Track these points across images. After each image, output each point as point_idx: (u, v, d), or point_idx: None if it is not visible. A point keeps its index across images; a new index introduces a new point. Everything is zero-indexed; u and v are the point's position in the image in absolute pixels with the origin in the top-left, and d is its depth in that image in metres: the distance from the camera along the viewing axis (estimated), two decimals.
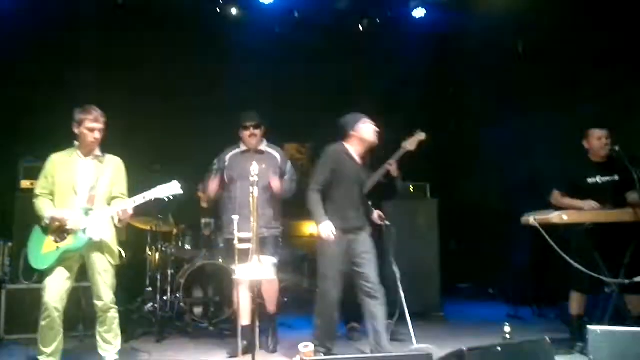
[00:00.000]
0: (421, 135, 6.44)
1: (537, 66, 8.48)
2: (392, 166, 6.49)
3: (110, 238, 5.13)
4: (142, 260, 7.59)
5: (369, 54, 9.71)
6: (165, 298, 7.16)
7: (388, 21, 9.67)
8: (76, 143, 5.15)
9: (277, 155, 6.23)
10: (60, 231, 4.93)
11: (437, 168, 9.43)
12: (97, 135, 5.07)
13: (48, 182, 5.07)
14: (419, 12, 9.43)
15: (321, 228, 5.32)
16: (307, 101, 9.32)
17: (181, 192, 5.04)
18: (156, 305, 7.02)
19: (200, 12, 8.93)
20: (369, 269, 5.39)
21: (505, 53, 9.06)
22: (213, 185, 6.25)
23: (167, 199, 5.03)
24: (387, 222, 5.74)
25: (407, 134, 6.47)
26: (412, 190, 8.29)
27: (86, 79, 7.96)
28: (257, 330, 5.19)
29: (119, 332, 5.21)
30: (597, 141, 5.90)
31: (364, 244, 5.46)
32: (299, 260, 9.11)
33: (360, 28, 9.66)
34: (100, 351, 5.13)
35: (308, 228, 10.22)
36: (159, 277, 7.16)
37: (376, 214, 5.75)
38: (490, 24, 8.89)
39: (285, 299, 7.96)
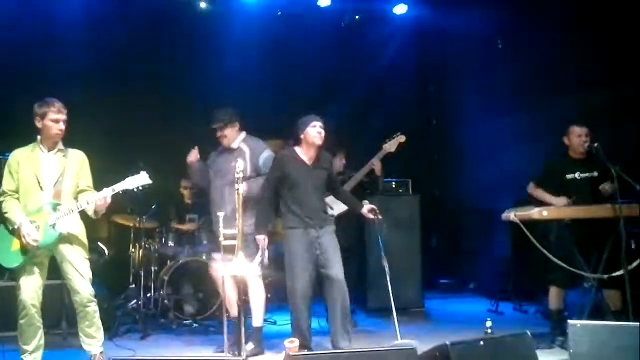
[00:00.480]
0: (401, 138, 6.54)
1: (519, 64, 8.54)
2: (376, 165, 6.65)
3: (80, 231, 5.08)
4: (126, 257, 7.59)
5: (350, 51, 9.73)
6: (149, 295, 7.16)
7: (369, 18, 9.70)
8: (38, 137, 5.07)
9: (247, 151, 6.06)
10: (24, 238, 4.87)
11: (419, 164, 9.49)
12: (62, 126, 5.01)
13: (13, 178, 5.01)
14: (400, 9, 9.47)
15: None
16: (289, 98, 9.34)
17: (150, 182, 5.00)
18: (140, 302, 7.02)
19: (181, 7, 8.90)
20: (333, 266, 5.45)
21: (487, 50, 9.12)
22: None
23: (135, 190, 5.00)
24: (380, 217, 5.75)
25: (387, 136, 6.55)
26: (394, 186, 8.35)
27: (56, 77, 7.87)
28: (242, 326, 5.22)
29: (100, 324, 5.13)
30: (577, 138, 5.98)
31: (327, 240, 5.53)
32: (283, 256, 9.11)
33: (342, 25, 9.69)
34: (84, 346, 5.09)
35: None
36: (142, 273, 7.18)
37: (367, 207, 5.75)
38: (472, 21, 8.96)
39: (269, 295, 7.97)
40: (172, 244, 7.65)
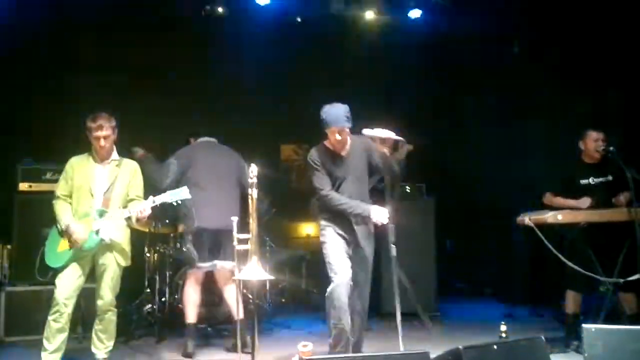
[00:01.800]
0: (409, 147, 6.52)
1: (534, 67, 8.51)
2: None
3: (123, 239, 5.29)
4: (141, 262, 7.61)
5: (365, 54, 9.74)
6: (163, 299, 7.20)
7: (384, 22, 9.69)
8: (92, 147, 5.30)
9: None
10: (70, 238, 5.10)
11: (433, 168, 9.46)
12: (103, 142, 5.20)
13: (67, 184, 5.24)
14: (415, 13, 9.46)
15: (373, 213, 5.13)
16: (303, 102, 9.35)
17: (189, 197, 5.23)
18: (155, 307, 7.05)
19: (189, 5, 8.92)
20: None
21: (503, 54, 9.10)
22: None
23: (175, 204, 5.25)
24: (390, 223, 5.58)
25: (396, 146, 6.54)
26: (408, 191, 8.33)
27: (85, 83, 7.96)
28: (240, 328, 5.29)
29: (114, 334, 5.36)
30: (594, 142, 5.96)
31: (363, 239, 5.30)
32: (297, 261, 9.14)
33: (357, 29, 9.69)
34: (92, 348, 5.29)
35: (305, 229, 10.29)
36: (157, 278, 7.21)
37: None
38: (487, 25, 8.94)
39: (283, 300, 8.00)
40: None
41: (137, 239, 7.66)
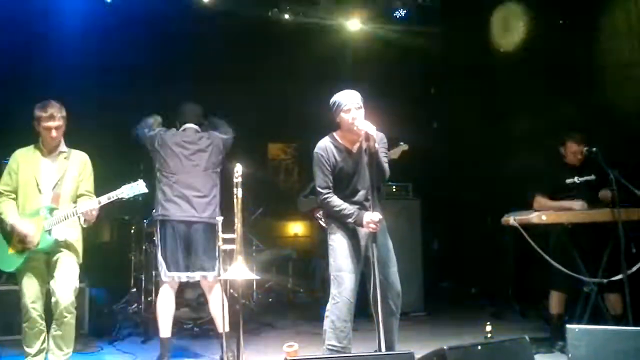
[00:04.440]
0: (404, 147, 6.53)
1: (521, 66, 8.53)
2: None
3: (76, 238, 5.03)
4: (126, 261, 7.60)
5: (352, 53, 9.74)
6: (150, 299, 7.16)
7: (369, 21, 9.70)
8: (40, 139, 5.04)
9: None
10: (18, 238, 4.85)
11: (419, 168, 9.48)
12: (54, 133, 4.94)
13: (12, 179, 4.96)
14: (400, 12, 9.47)
15: (365, 221, 4.71)
16: (291, 100, 9.35)
17: (146, 191, 4.96)
18: (141, 306, 7.04)
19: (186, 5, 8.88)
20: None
21: (489, 52, 9.11)
22: None
23: (132, 199, 5.00)
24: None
25: (389, 141, 6.53)
26: (394, 190, 8.34)
27: (58, 77, 7.87)
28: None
29: (73, 338, 4.95)
30: (572, 155, 6.05)
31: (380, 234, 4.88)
32: (283, 260, 9.15)
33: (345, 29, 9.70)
34: (49, 355, 4.90)
35: (292, 228, 10.30)
36: (143, 277, 7.19)
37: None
38: (472, 23, 8.97)
39: (270, 300, 8.00)
40: None
41: (123, 237, 7.70)
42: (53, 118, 4.92)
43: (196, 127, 6.00)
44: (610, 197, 5.63)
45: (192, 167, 5.79)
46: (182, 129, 5.97)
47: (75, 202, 5.04)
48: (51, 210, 4.89)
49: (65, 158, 5.07)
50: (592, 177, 5.96)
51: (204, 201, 5.73)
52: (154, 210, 5.81)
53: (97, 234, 8.51)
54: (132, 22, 8.39)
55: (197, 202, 5.69)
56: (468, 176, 9.64)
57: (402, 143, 6.53)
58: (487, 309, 8.16)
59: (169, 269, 5.65)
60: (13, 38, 7.74)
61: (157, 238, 5.76)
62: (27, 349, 4.89)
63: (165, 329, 5.72)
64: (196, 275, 5.71)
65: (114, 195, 4.88)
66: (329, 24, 9.33)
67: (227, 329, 5.19)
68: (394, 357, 4.17)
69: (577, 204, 5.82)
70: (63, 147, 5.09)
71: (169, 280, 5.68)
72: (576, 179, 5.99)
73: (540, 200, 6.02)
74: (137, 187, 4.92)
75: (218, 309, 5.65)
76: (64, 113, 4.99)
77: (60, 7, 8.04)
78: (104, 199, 4.87)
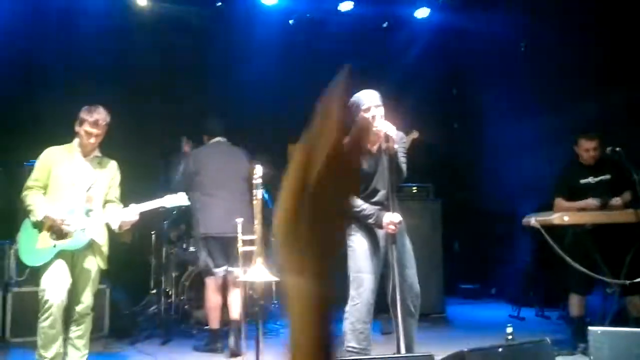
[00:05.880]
0: (415, 134, 6.47)
1: (542, 66, 8.47)
2: None
3: (104, 242, 5.03)
4: (147, 263, 7.62)
5: (372, 54, 9.71)
6: (169, 300, 7.20)
7: (391, 22, 9.67)
8: (76, 140, 5.03)
9: None
10: (55, 229, 4.80)
11: (440, 169, 9.44)
12: (93, 140, 4.96)
13: (43, 174, 4.92)
14: (422, 12, 9.42)
15: (385, 221, 4.67)
16: (313, 100, 9.31)
17: (188, 203, 5.17)
18: (161, 308, 7.06)
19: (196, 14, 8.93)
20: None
21: (511, 53, 9.06)
22: None
23: (174, 211, 5.11)
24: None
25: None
26: (415, 192, 8.31)
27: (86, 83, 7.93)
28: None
29: (88, 338, 5.02)
30: (585, 152, 5.99)
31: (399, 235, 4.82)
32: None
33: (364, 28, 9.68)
34: (67, 358, 4.90)
35: None
36: (163, 279, 7.21)
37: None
38: (495, 24, 8.91)
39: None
40: (193, 250, 7.66)
41: (143, 239, 7.72)
42: (97, 125, 4.94)
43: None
44: (621, 206, 5.61)
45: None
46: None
47: (103, 207, 5.04)
48: (87, 211, 4.89)
49: (98, 163, 5.09)
50: (608, 176, 5.90)
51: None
52: None
53: (119, 235, 8.53)
54: (160, 25, 8.49)
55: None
56: (490, 177, 9.58)
57: (413, 130, 6.46)
58: (507, 310, 8.09)
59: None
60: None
61: None
62: (43, 352, 4.70)
63: (215, 320, 6.21)
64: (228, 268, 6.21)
65: (155, 204, 4.98)
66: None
67: (236, 316, 5.91)
68: (413, 359, 4.14)
69: (591, 202, 5.77)
70: (97, 152, 5.11)
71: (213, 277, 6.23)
72: (591, 179, 5.94)
73: (558, 203, 5.98)
74: (179, 199, 5.08)
75: (235, 300, 6.12)
76: (108, 120, 5.01)
77: (83, 6, 8.09)
78: (145, 207, 4.94)
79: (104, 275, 5.31)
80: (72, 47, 8.09)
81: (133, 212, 4.92)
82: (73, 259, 4.92)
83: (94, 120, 4.92)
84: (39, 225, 4.83)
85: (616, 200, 5.75)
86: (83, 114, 4.95)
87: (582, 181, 5.96)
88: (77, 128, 4.99)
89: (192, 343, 6.57)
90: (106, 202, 5.09)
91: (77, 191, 4.93)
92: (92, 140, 4.97)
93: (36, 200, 4.85)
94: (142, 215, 4.95)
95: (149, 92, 8.50)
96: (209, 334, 6.31)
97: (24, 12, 7.85)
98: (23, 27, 7.84)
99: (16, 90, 7.93)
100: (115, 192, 5.16)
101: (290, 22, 9.21)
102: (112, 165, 5.19)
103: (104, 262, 5.03)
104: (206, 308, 6.37)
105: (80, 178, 4.97)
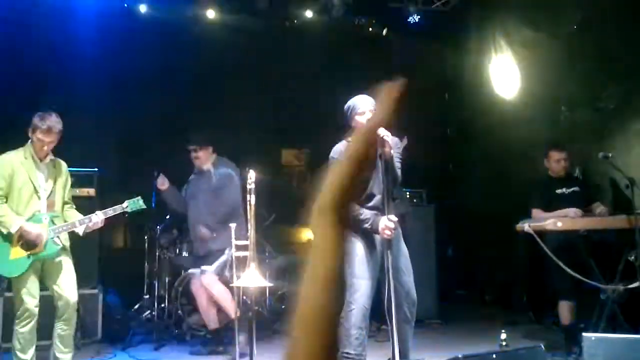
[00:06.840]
0: (404, 141, 6.48)
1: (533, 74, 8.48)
2: None
3: (69, 243, 5.17)
4: (140, 268, 7.58)
5: (366, 60, 9.72)
6: (162, 305, 7.17)
7: (384, 28, 9.68)
8: (30, 142, 5.00)
9: (213, 177, 6.40)
10: (25, 239, 4.84)
11: (433, 174, 9.44)
12: (46, 148, 4.96)
13: (4, 183, 4.89)
14: (414, 19, 9.44)
15: (381, 227, 4.63)
16: (305, 106, 9.32)
17: (144, 207, 5.27)
18: (154, 313, 7.04)
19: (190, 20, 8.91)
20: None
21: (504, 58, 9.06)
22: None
23: (126, 215, 5.46)
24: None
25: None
26: (408, 197, 8.30)
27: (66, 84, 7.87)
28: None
29: (72, 338, 5.19)
30: (556, 163, 6.15)
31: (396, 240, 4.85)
32: (296, 267, 9.10)
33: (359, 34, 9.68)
34: (58, 354, 5.04)
35: (305, 234, 10.25)
36: (156, 284, 7.19)
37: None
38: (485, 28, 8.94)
39: (283, 307, 7.98)
40: (186, 255, 7.64)
41: (136, 244, 7.70)
42: (49, 133, 4.91)
43: None
44: (604, 213, 5.74)
45: None
46: None
47: (62, 210, 5.12)
48: (53, 218, 4.96)
49: (54, 166, 5.11)
50: (577, 188, 6.10)
51: None
52: None
53: (111, 240, 8.53)
54: (144, 30, 8.43)
55: None
56: (483, 182, 9.58)
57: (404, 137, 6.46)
58: (501, 316, 8.08)
59: None
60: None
61: None
62: (22, 356, 4.87)
63: (213, 321, 6.41)
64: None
65: (118, 208, 5.11)
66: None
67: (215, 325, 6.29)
68: None
69: (571, 211, 5.79)
70: (51, 154, 5.10)
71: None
72: (565, 190, 6.05)
73: (536, 214, 6.02)
74: (138, 203, 5.20)
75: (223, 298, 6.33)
76: (60, 126, 4.97)
77: (79, 11, 8.07)
78: (110, 212, 5.06)
79: (97, 279, 5.36)
80: None
81: (99, 218, 5.04)
82: (45, 263, 5.01)
83: (47, 127, 4.89)
84: (9, 237, 4.84)
85: (601, 209, 5.86)
86: (36, 122, 4.90)
87: (558, 191, 6.09)
88: (29, 134, 4.96)
89: (185, 348, 6.56)
90: (63, 204, 5.16)
91: (40, 199, 4.97)
92: (45, 147, 4.96)
93: (6, 212, 4.85)
94: (136, 220, 5.05)
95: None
96: (211, 336, 6.48)
97: None
98: None
99: None
100: (69, 193, 5.25)
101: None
102: (64, 167, 5.22)
103: (72, 259, 5.15)
104: (200, 312, 6.51)
105: (41, 185, 4.99)
